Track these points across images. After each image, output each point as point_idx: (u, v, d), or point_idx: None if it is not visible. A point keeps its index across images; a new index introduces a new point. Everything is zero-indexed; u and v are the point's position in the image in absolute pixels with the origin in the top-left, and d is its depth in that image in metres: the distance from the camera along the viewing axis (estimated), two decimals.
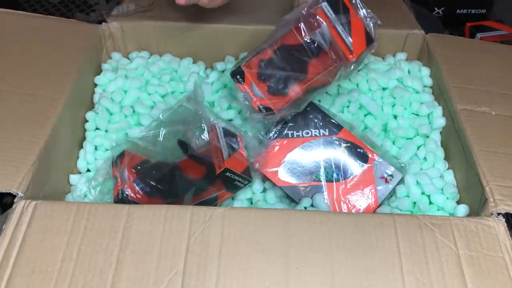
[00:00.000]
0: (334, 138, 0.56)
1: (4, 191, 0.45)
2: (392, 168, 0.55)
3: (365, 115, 0.63)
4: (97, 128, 0.62)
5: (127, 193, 0.48)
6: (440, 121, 0.61)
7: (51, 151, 0.51)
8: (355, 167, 0.55)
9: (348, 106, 0.63)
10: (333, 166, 0.56)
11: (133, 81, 0.65)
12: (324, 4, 0.51)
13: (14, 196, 0.45)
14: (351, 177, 0.55)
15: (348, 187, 0.54)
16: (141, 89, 0.65)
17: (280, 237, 0.42)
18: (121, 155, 0.52)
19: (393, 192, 0.56)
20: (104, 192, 0.53)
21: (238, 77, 0.53)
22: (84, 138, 0.61)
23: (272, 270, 0.40)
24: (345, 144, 0.56)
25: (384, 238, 0.42)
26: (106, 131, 0.61)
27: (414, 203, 0.54)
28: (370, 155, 0.56)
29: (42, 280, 0.39)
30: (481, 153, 0.52)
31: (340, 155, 0.56)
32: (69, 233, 0.42)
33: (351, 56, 0.52)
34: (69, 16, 1.22)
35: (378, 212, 0.54)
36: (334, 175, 0.55)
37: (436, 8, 1.20)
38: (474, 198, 0.51)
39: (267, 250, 0.41)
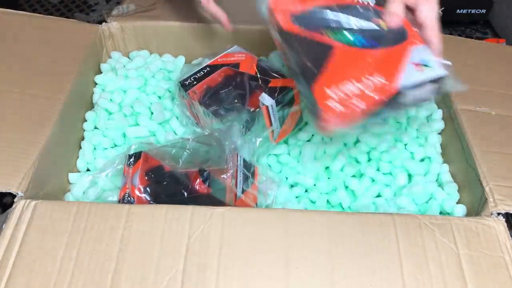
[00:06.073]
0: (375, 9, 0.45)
1: (4, 191, 0.45)
2: (436, 59, 0.42)
3: None
4: (95, 128, 0.62)
5: (132, 202, 0.48)
6: (439, 124, 0.61)
7: (51, 151, 0.51)
8: (384, 40, 0.43)
9: None
10: (356, 26, 0.44)
11: (132, 81, 0.65)
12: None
13: (14, 196, 0.45)
14: (374, 48, 0.43)
15: (362, 60, 0.42)
16: (140, 89, 0.65)
17: (280, 237, 0.42)
18: (137, 156, 0.51)
19: (397, 190, 0.56)
20: (106, 187, 0.53)
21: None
22: (83, 138, 0.61)
23: (272, 270, 0.40)
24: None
25: (384, 238, 0.42)
26: (104, 130, 0.61)
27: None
28: (413, 37, 0.43)
29: (42, 280, 0.39)
30: (481, 153, 0.52)
31: (369, 18, 0.45)
32: (69, 233, 0.42)
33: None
34: (69, 16, 1.22)
35: (380, 211, 0.54)
36: (351, 37, 0.43)
37: None
38: (474, 198, 0.51)
39: (267, 250, 0.41)
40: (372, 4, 0.46)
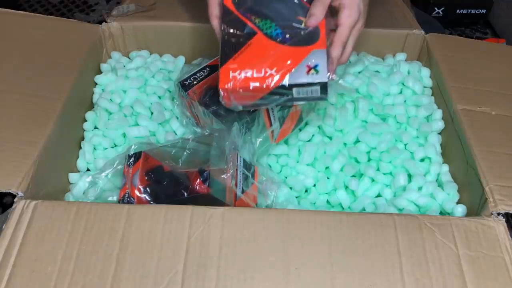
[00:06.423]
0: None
1: (4, 191, 0.45)
2: (324, 67, 0.45)
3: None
4: (95, 128, 0.62)
5: (132, 202, 0.48)
6: (439, 124, 0.61)
7: (51, 151, 0.51)
8: (295, 39, 0.47)
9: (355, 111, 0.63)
10: (281, 19, 0.48)
11: (132, 81, 0.65)
12: None
13: (14, 196, 0.45)
14: (284, 44, 0.47)
15: (271, 52, 0.46)
16: (140, 89, 0.65)
17: (280, 237, 0.42)
18: (137, 156, 0.51)
19: (397, 190, 0.56)
20: (106, 187, 0.53)
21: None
22: (83, 138, 0.61)
23: (272, 270, 0.40)
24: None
25: (384, 238, 0.42)
26: (104, 130, 0.61)
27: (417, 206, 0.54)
28: (321, 41, 0.46)
29: (42, 280, 0.39)
30: (481, 153, 0.52)
31: (296, 13, 0.48)
32: (69, 233, 0.42)
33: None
34: (69, 16, 1.22)
35: (380, 208, 0.54)
36: (273, 29, 0.48)
37: (436, 8, 1.20)
38: (474, 198, 0.51)
39: (267, 250, 0.41)
40: None
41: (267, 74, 0.45)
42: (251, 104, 0.48)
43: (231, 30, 0.48)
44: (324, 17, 0.47)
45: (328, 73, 0.45)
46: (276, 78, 0.45)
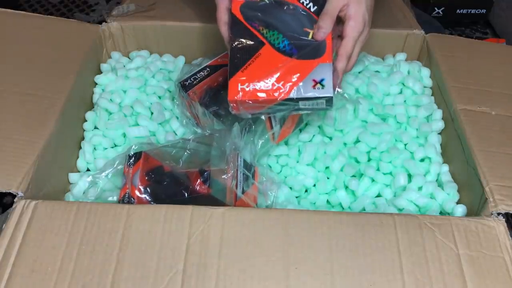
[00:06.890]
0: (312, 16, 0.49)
1: (4, 191, 0.45)
2: (330, 81, 0.46)
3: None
4: (95, 128, 0.62)
5: (132, 202, 0.48)
6: (439, 124, 0.61)
7: (51, 151, 0.51)
8: (302, 51, 0.48)
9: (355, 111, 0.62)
10: (289, 31, 0.49)
11: (132, 81, 0.65)
12: None
13: (14, 196, 0.45)
14: (291, 56, 0.48)
15: (279, 64, 0.47)
16: (140, 89, 0.65)
17: (280, 237, 0.42)
18: (137, 156, 0.51)
19: (397, 190, 0.56)
20: (106, 187, 0.53)
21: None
22: (83, 138, 0.61)
23: (272, 270, 0.40)
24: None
25: (384, 238, 0.42)
26: (104, 130, 0.61)
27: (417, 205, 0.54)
28: (327, 55, 0.47)
29: (42, 280, 0.39)
30: (481, 153, 0.52)
31: (303, 25, 0.49)
32: (69, 233, 0.42)
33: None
34: (69, 16, 1.22)
35: (379, 207, 0.54)
36: (280, 40, 0.48)
37: (436, 8, 1.20)
38: (474, 198, 0.51)
39: (267, 250, 0.41)
40: (312, 10, 0.50)
41: (274, 87, 0.46)
42: (259, 112, 0.49)
43: (239, 41, 0.49)
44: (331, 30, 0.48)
45: (334, 87, 0.46)
46: (284, 91, 0.46)
